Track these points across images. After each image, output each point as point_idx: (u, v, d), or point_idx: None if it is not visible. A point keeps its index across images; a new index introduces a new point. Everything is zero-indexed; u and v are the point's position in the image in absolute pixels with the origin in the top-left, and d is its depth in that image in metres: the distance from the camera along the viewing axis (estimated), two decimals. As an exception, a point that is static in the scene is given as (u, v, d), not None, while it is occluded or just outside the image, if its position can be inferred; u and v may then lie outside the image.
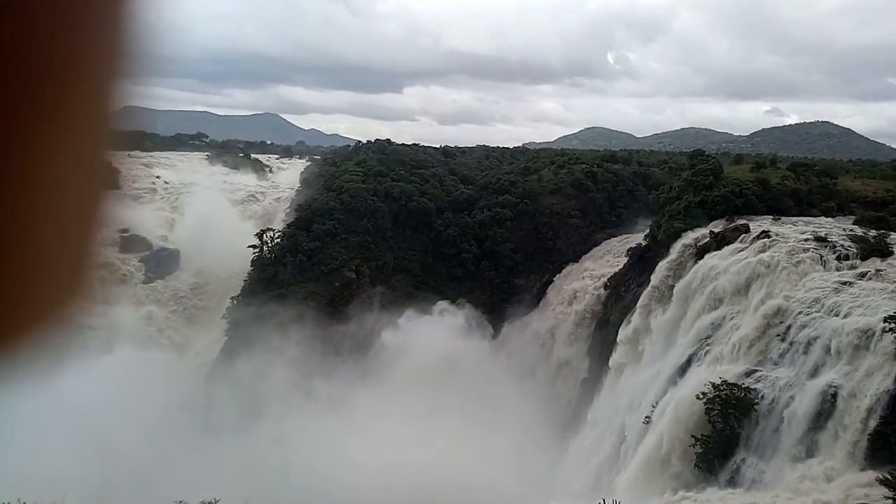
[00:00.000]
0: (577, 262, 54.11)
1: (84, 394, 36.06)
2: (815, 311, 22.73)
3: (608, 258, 51.47)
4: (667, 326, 31.08)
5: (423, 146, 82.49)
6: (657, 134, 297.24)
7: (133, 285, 60.13)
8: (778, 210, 35.36)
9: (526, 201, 59.09)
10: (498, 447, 35.33)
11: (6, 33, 0.76)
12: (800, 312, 23.16)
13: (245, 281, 53.19)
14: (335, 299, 50.27)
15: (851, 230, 29.02)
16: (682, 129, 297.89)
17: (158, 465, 32.98)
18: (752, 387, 22.21)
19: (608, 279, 46.40)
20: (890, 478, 15.73)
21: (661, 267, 34.98)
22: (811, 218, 34.20)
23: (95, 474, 31.79)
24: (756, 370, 23.12)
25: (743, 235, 30.54)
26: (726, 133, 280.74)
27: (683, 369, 27.12)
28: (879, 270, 23.78)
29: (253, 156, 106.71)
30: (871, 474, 16.90)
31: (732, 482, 20.68)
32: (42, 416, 29.88)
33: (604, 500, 16.90)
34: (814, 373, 21.03)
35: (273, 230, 55.40)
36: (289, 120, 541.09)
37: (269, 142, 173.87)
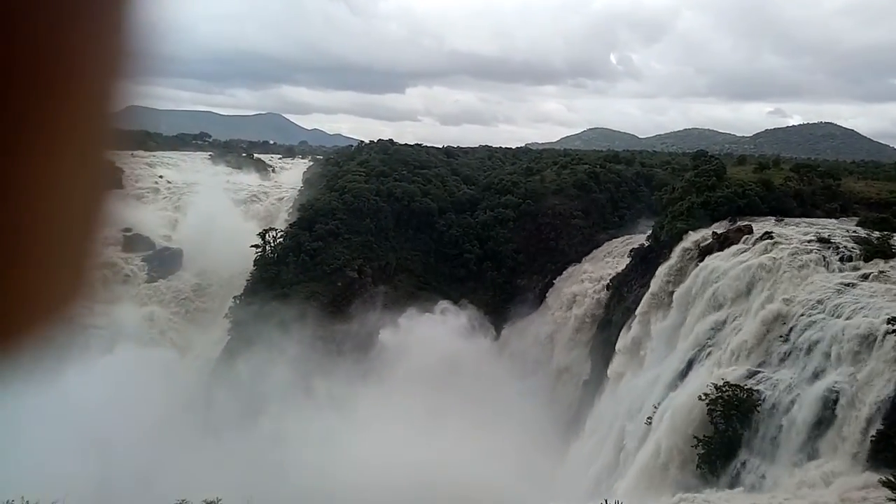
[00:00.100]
0: (579, 262, 53.98)
1: (86, 393, 36.15)
2: (818, 313, 22.68)
3: (608, 260, 51.30)
4: (667, 332, 31.00)
5: (426, 146, 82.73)
6: (660, 135, 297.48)
7: (135, 285, 60.22)
8: (781, 211, 35.31)
9: (528, 202, 59.01)
10: (498, 447, 35.29)
11: (8, 34, 0.76)
12: (802, 314, 23.12)
13: (248, 280, 53.27)
14: (337, 299, 50.31)
15: (854, 231, 29.00)
16: (685, 129, 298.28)
17: (160, 465, 33.02)
18: (755, 388, 22.17)
19: (610, 280, 46.33)
20: (893, 480, 15.68)
21: (661, 272, 34.77)
22: (814, 219, 34.14)
23: (97, 473, 31.88)
24: (758, 371, 23.08)
25: (746, 236, 30.46)
26: (729, 134, 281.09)
27: (683, 374, 27.06)
28: (882, 272, 23.77)
29: (256, 156, 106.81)
30: (872, 476, 16.85)
31: (734, 484, 20.62)
32: (44, 415, 29.85)
33: (605, 501, 16.86)
34: (816, 374, 20.96)
35: (276, 230, 55.52)
36: (292, 120, 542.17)
37: (272, 142, 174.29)
